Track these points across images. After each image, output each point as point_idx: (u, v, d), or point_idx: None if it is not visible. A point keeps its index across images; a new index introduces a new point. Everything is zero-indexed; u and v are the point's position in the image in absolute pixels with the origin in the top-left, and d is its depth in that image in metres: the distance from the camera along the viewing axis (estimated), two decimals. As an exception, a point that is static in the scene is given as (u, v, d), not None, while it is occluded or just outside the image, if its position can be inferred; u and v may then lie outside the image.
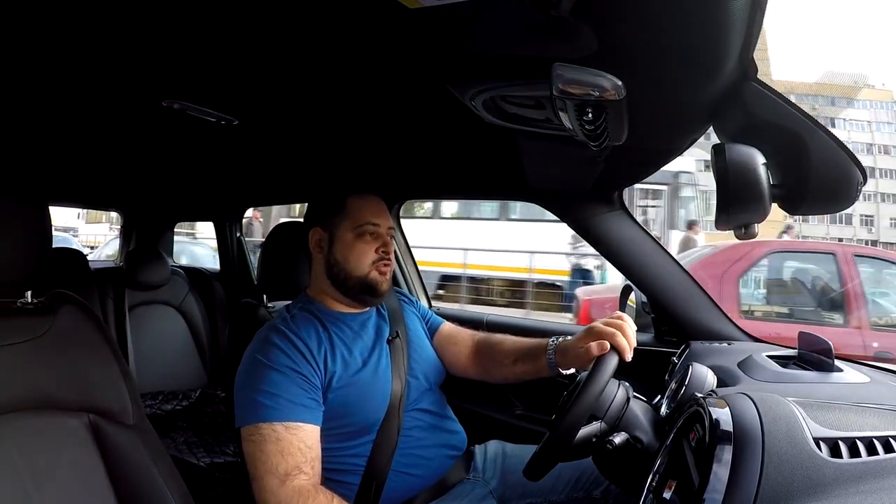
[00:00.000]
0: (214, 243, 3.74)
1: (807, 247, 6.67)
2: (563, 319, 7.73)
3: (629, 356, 1.26)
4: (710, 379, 1.20)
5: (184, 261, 6.16)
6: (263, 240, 1.90)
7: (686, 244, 8.03)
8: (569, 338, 1.45)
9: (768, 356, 1.38)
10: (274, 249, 1.83)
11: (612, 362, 1.21)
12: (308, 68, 1.18)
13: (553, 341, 1.47)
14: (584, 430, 1.14)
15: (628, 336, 1.28)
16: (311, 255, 1.53)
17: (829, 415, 0.86)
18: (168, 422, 2.86)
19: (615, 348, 1.25)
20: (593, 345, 1.28)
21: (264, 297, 1.97)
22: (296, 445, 1.25)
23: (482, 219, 10.51)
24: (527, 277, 9.47)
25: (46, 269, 1.11)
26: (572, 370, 1.45)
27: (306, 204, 1.84)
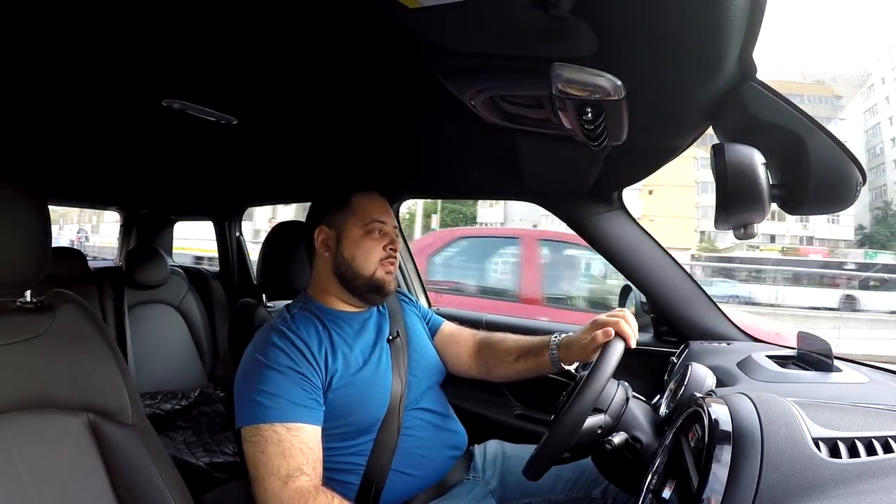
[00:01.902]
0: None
1: (493, 232, 8.38)
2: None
3: (634, 342, 1.29)
4: (710, 379, 1.20)
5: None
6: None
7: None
8: (571, 333, 1.47)
9: (767, 356, 1.38)
10: (273, 249, 1.83)
11: (619, 348, 1.23)
12: (308, 68, 1.18)
13: (555, 337, 1.49)
14: (589, 422, 1.14)
15: (631, 325, 1.31)
16: (315, 254, 1.53)
17: (828, 415, 0.86)
18: (167, 421, 2.86)
19: (620, 335, 1.27)
20: (598, 332, 1.31)
21: (263, 296, 1.97)
22: (297, 447, 1.25)
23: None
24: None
25: (46, 268, 1.11)
26: (574, 365, 1.46)
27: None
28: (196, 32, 1.04)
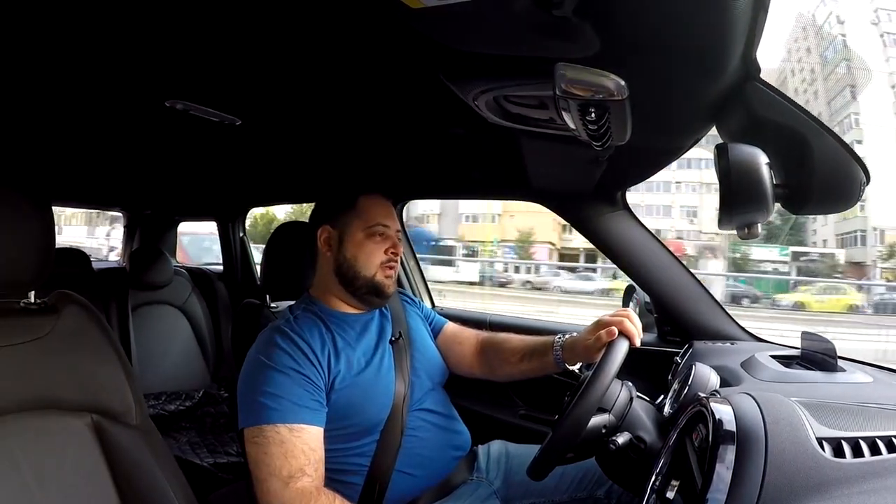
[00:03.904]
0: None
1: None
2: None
3: (638, 341, 1.28)
4: (714, 379, 1.20)
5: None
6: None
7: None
8: (574, 333, 1.47)
9: (771, 356, 1.38)
10: (277, 250, 1.83)
11: (623, 347, 1.22)
12: (311, 68, 1.18)
13: (559, 338, 1.49)
14: (594, 421, 1.14)
15: (635, 324, 1.30)
16: (318, 254, 1.53)
17: (832, 415, 0.86)
18: (171, 422, 2.87)
19: (624, 334, 1.27)
20: (602, 332, 1.31)
21: (267, 297, 1.97)
22: (299, 448, 1.25)
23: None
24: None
25: (49, 269, 1.11)
26: (578, 365, 1.46)
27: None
28: (199, 33, 1.04)
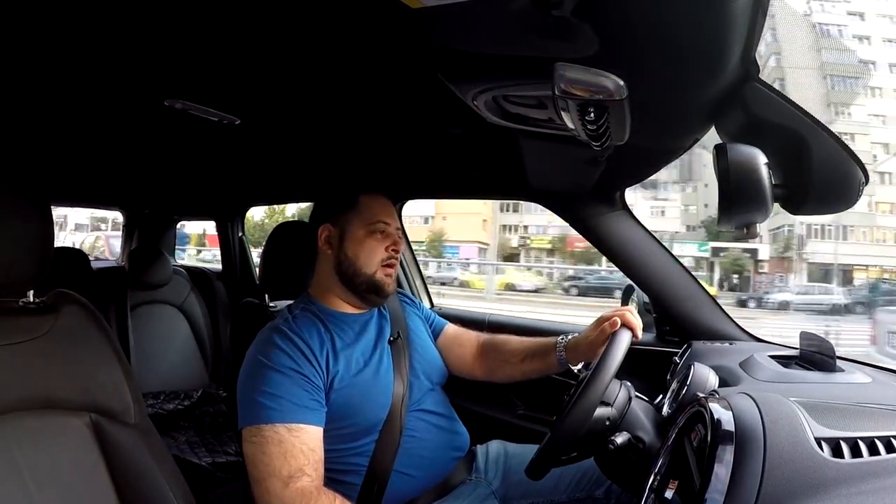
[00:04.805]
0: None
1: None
2: None
3: (640, 333, 1.31)
4: (712, 379, 1.20)
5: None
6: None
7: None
8: (577, 334, 1.49)
9: (770, 356, 1.38)
10: (276, 249, 1.83)
11: (626, 337, 1.24)
12: (310, 68, 1.18)
13: (562, 339, 1.51)
14: (598, 413, 1.14)
15: (636, 317, 1.33)
16: (318, 253, 1.53)
17: (830, 415, 0.86)
18: (170, 421, 2.86)
19: (626, 326, 1.29)
20: (605, 325, 1.33)
21: (266, 296, 1.97)
22: (298, 448, 1.25)
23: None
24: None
25: (48, 268, 1.11)
26: (579, 366, 1.47)
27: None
28: (198, 33, 1.04)
